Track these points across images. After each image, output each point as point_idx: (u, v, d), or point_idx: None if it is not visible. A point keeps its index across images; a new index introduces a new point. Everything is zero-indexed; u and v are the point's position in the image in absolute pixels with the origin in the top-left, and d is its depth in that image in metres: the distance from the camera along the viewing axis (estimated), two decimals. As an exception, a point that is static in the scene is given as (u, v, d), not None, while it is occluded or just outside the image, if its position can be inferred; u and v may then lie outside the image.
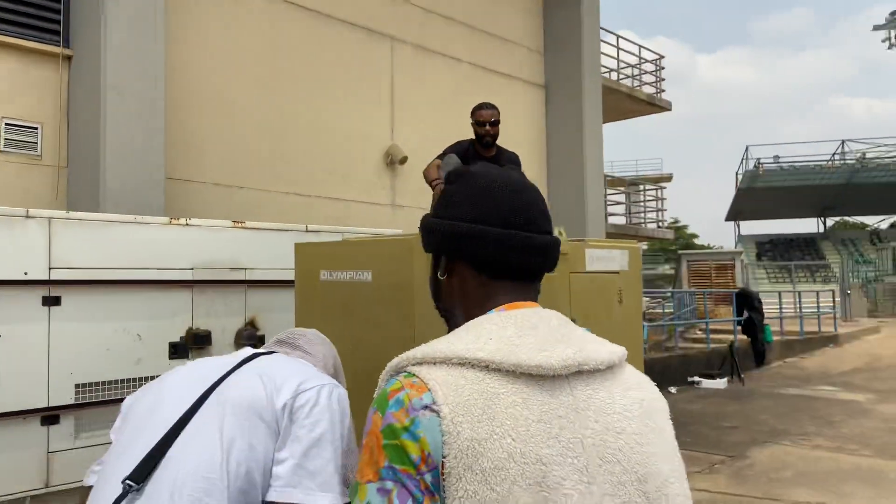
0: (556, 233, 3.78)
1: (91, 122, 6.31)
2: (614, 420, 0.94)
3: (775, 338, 12.62)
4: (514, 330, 0.98)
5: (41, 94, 6.41)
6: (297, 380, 1.43)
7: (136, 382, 4.66)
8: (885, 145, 37.45)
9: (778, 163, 37.78)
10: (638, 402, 0.99)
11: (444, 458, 0.86)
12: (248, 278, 5.26)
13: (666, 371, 10.11)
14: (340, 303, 4.02)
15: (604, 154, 11.84)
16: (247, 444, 1.32)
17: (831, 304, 17.32)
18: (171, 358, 4.85)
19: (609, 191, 15.16)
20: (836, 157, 37.40)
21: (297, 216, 7.45)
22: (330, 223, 6.26)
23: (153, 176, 6.57)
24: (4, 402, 4.14)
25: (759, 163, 37.44)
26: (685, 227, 45.59)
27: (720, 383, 10.42)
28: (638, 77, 14.94)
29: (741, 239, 40.64)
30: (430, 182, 4.18)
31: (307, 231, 5.69)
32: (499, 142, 4.54)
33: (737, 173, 39.03)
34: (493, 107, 4.41)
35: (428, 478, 0.86)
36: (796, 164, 37.65)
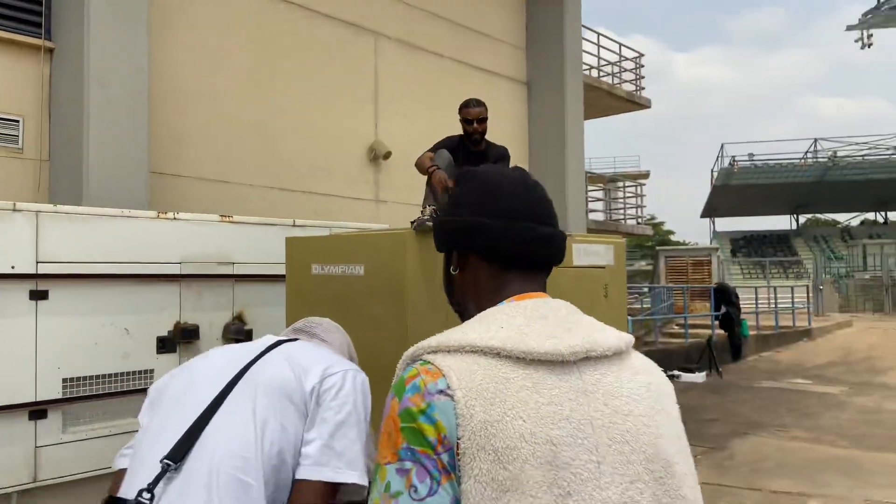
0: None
1: (74, 115, 6.24)
2: (622, 403, 0.99)
3: (751, 332, 12.84)
4: (524, 319, 1.03)
5: (23, 87, 6.33)
6: (322, 365, 1.50)
7: (123, 377, 4.64)
8: (856, 144, 38.15)
9: (752, 161, 38.30)
10: (645, 385, 1.04)
11: (458, 439, 0.91)
12: (235, 272, 5.26)
13: (646, 365, 10.18)
14: (332, 296, 4.04)
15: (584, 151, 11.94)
16: (279, 424, 1.39)
17: (805, 300, 17.65)
18: (158, 352, 4.83)
19: (589, 187, 15.28)
20: (809, 155, 38.01)
21: (281, 211, 7.44)
22: (314, 218, 6.26)
23: (137, 170, 6.52)
24: (-7, 397, 4.12)
25: (734, 160, 37.94)
26: (661, 223, 46.07)
27: (699, 377, 10.58)
28: (618, 75, 15.08)
29: (716, 235, 41.16)
30: (425, 170, 4.20)
31: (294, 225, 5.68)
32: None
33: (712, 171, 39.55)
34: (480, 104, 4.43)
35: (444, 458, 0.91)
36: (770, 162, 38.20)
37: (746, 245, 40.63)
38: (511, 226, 1.11)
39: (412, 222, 3.89)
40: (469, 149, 4.40)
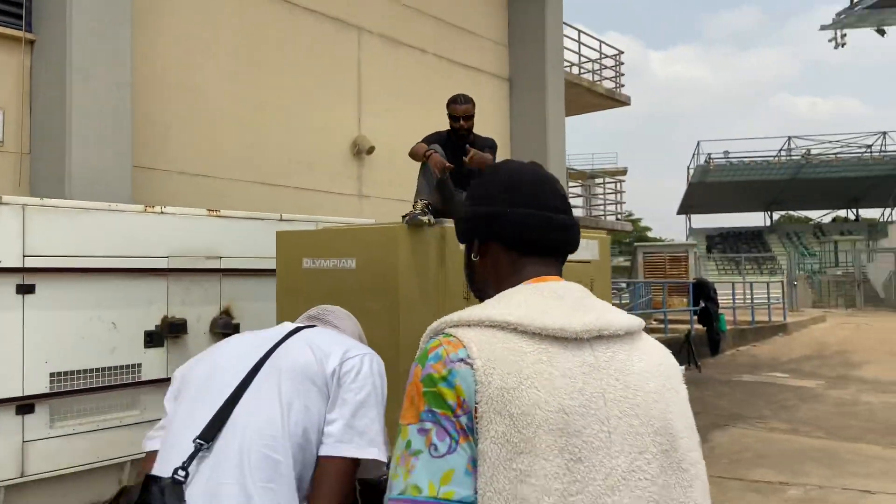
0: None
1: (56, 108, 6.17)
2: (633, 379, 1.05)
3: (729, 327, 13.03)
4: (541, 299, 1.10)
5: (3, 80, 6.24)
6: (342, 349, 1.59)
7: (111, 371, 4.62)
8: (829, 142, 38.78)
9: (728, 158, 38.75)
10: (656, 364, 1.10)
11: (476, 403, 0.97)
12: (223, 267, 5.25)
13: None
14: (324, 290, 4.05)
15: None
16: (303, 405, 1.47)
17: (780, 295, 17.95)
18: (146, 347, 4.81)
19: (569, 183, 15.39)
20: (783, 153, 38.55)
21: (264, 206, 7.38)
22: (296, 213, 6.23)
23: (120, 163, 6.46)
24: (-20, 391, 4.08)
25: (709, 158, 38.36)
26: (639, 220, 46.49)
27: (677, 371, 10.66)
28: (598, 72, 15.19)
29: (692, 232, 41.62)
30: (421, 156, 4.21)
31: (282, 220, 5.69)
32: None
33: (688, 168, 39.97)
34: (468, 100, 4.46)
35: (463, 420, 0.98)
36: (745, 159, 38.69)
37: (722, 241, 41.13)
38: (530, 214, 1.18)
39: (404, 216, 3.91)
40: (456, 144, 4.43)
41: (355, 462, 1.48)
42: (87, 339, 4.53)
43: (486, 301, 1.15)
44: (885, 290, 25.12)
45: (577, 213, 16.78)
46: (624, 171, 35.33)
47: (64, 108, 6.09)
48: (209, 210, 5.30)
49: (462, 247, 1.32)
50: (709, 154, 38.60)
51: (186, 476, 1.41)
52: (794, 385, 9.35)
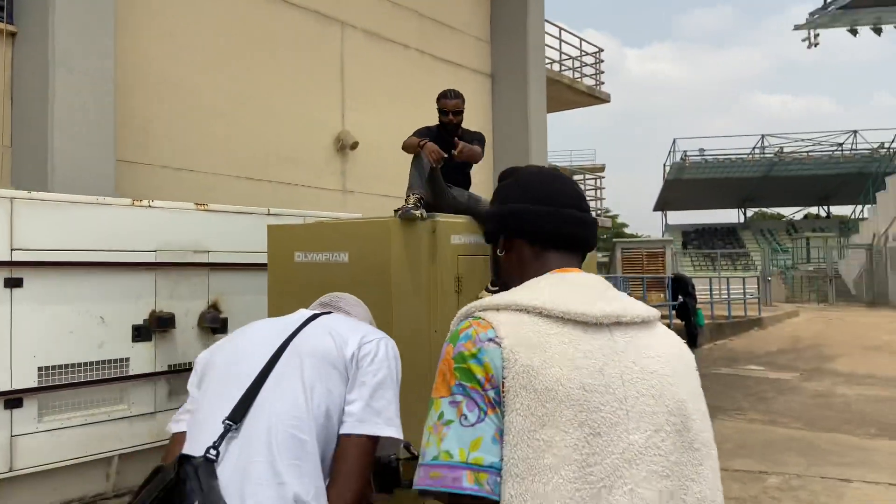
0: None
1: (38, 101, 6.11)
2: (650, 363, 1.13)
3: (706, 321, 13.23)
4: (564, 287, 1.18)
5: (-17, 71, 6.16)
6: (359, 334, 1.67)
7: (99, 365, 4.60)
8: (801, 140, 39.39)
9: (703, 156, 39.20)
10: (670, 351, 1.18)
11: (503, 379, 1.05)
12: (210, 261, 5.24)
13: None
14: (316, 284, 4.07)
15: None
16: (325, 388, 1.56)
17: (754, 291, 18.25)
18: (134, 341, 4.80)
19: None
20: (756, 150, 39.09)
21: (247, 200, 7.36)
22: (280, 207, 6.21)
23: (103, 157, 6.41)
24: (-30, 386, 4.05)
25: (685, 155, 38.77)
26: (616, 216, 46.87)
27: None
28: (579, 69, 15.30)
29: (668, 228, 42.07)
30: (415, 146, 4.22)
31: (269, 214, 5.69)
32: None
33: (664, 165, 40.35)
34: (458, 96, 4.48)
35: (491, 394, 1.06)
36: (720, 157, 39.16)
37: (697, 238, 41.63)
38: (552, 209, 1.27)
39: (396, 210, 3.94)
40: (445, 138, 4.46)
41: (374, 440, 1.57)
42: (75, 334, 4.50)
43: (513, 288, 1.22)
44: (855, 285, 25.62)
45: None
46: (602, 168, 35.62)
47: (46, 100, 6.03)
48: (197, 204, 5.29)
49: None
50: (684, 151, 39.06)
51: (217, 455, 1.47)
52: (771, 378, 9.53)
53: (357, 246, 3.96)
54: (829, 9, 22.01)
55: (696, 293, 12.63)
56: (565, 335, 1.09)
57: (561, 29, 14.68)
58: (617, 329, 1.14)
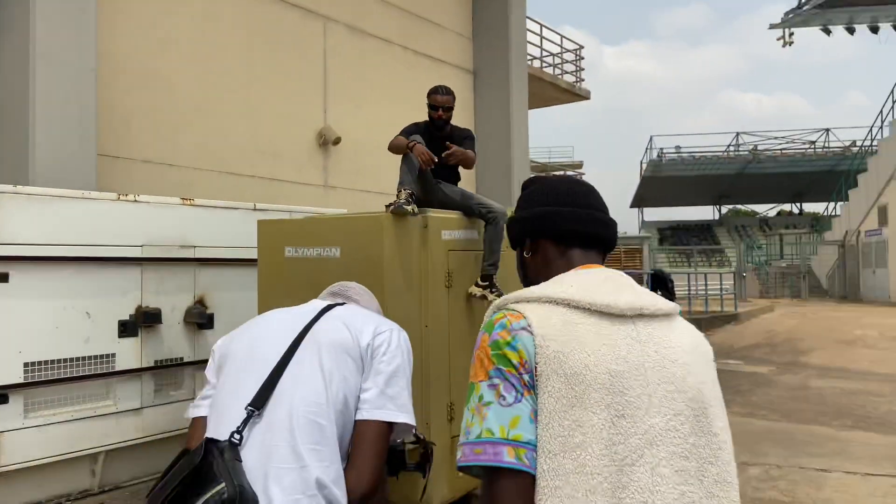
0: (507, 213, 4.01)
1: (18, 93, 6.02)
2: (670, 352, 1.21)
3: (684, 316, 13.38)
4: (590, 281, 1.27)
5: (-38, 62, 6.06)
6: (373, 325, 1.75)
7: (85, 361, 4.57)
8: (775, 138, 39.94)
9: (679, 153, 39.58)
10: (690, 342, 1.26)
11: (536, 364, 1.14)
12: (196, 256, 5.21)
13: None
14: (307, 278, 4.08)
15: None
16: (342, 376, 1.63)
17: (730, 286, 18.51)
18: (120, 336, 4.77)
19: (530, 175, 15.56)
20: (731, 148, 39.56)
21: (229, 195, 7.31)
22: (261, 202, 6.16)
23: (85, 151, 6.33)
24: (-44, 381, 4.01)
25: (662, 152, 39.12)
26: (592, 212, 47.05)
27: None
28: (560, 66, 15.39)
29: (644, 225, 42.43)
30: (404, 148, 4.24)
31: (255, 209, 5.67)
32: None
33: (641, 162, 40.68)
34: (448, 92, 4.51)
35: (525, 377, 1.14)
36: (696, 154, 39.57)
37: (673, 234, 42.05)
38: (577, 211, 1.37)
39: (388, 205, 3.96)
40: (434, 134, 4.49)
41: (389, 425, 1.65)
42: (61, 329, 4.47)
43: (543, 283, 1.30)
44: (828, 281, 26.08)
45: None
46: (580, 165, 35.82)
47: (27, 94, 5.94)
48: (183, 199, 5.26)
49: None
50: (661, 149, 39.39)
51: (241, 439, 1.54)
52: (748, 371, 9.69)
53: (349, 241, 3.98)
54: (804, 8, 22.34)
55: (675, 289, 12.79)
56: (592, 325, 1.18)
57: (542, 26, 14.76)
58: (640, 321, 1.22)
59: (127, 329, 4.82)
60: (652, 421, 1.14)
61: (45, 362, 4.38)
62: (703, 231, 42.84)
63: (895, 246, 21.64)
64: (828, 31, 24.03)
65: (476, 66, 12.01)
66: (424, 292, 3.97)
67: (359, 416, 1.63)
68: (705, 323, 14.65)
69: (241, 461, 1.51)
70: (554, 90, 14.44)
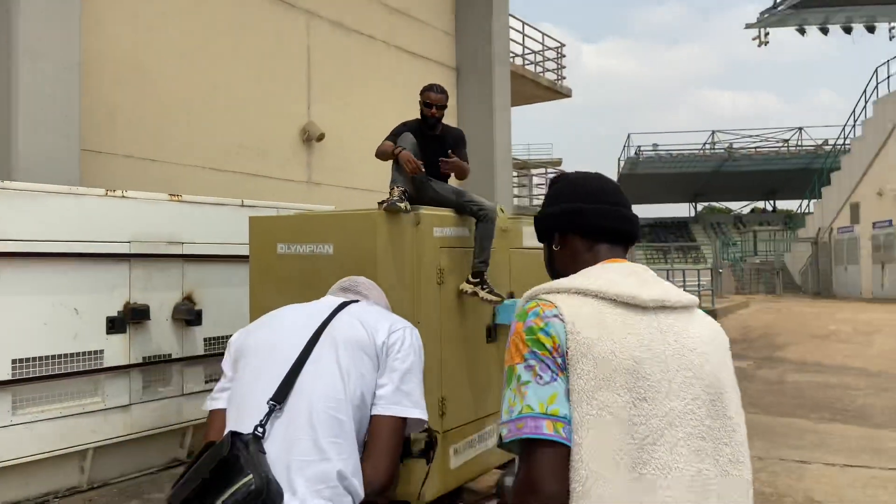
0: (497, 210, 4.05)
1: (2, 89, 5.95)
2: (689, 341, 1.30)
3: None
4: (616, 274, 1.36)
5: (-58, 56, 5.97)
6: (387, 323, 1.82)
7: (73, 357, 4.55)
8: (749, 136, 40.47)
9: (656, 151, 39.95)
10: (707, 332, 1.36)
11: (567, 348, 1.24)
12: (184, 252, 5.20)
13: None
14: (300, 275, 4.09)
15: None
16: (359, 373, 1.69)
17: (707, 282, 18.76)
18: (108, 333, 4.75)
19: (513, 174, 15.63)
20: (707, 146, 40.00)
21: (212, 191, 7.24)
22: (246, 199, 6.11)
23: (69, 146, 6.28)
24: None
25: (639, 150, 39.45)
26: (570, 209, 47.30)
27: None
28: (541, 63, 15.46)
29: (622, 222, 42.65)
30: (390, 154, 4.27)
31: (243, 206, 5.67)
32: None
33: (619, 160, 40.99)
34: (443, 91, 4.54)
35: (558, 360, 1.24)
36: (672, 152, 39.97)
37: (650, 231, 42.45)
38: (602, 207, 1.46)
39: (381, 203, 3.99)
40: (426, 133, 4.52)
41: (403, 420, 1.72)
42: (49, 325, 4.44)
43: (571, 276, 1.38)
44: (801, 277, 26.52)
45: (518, 202, 17.08)
46: (559, 162, 35.96)
47: (10, 88, 5.88)
48: (171, 195, 5.24)
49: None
50: (638, 146, 39.72)
51: (263, 433, 1.59)
52: (727, 366, 9.84)
53: (342, 238, 4.00)
54: (779, 8, 22.65)
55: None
56: (618, 315, 1.27)
57: (524, 24, 14.83)
58: (661, 312, 1.32)
59: (115, 325, 4.80)
60: (672, 404, 1.23)
61: (34, 359, 4.35)
62: (679, 228, 43.30)
63: (867, 243, 22.07)
64: (802, 31, 24.39)
65: (459, 62, 12.04)
66: (416, 289, 4.00)
67: (375, 412, 1.69)
68: (683, 319, 14.82)
69: (264, 453, 1.56)
70: (535, 88, 14.52)
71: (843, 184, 23.71)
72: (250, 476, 1.48)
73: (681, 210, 46.59)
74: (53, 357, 4.45)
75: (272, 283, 4.24)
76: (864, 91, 23.40)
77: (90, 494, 4.58)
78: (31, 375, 4.32)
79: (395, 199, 3.93)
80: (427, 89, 4.49)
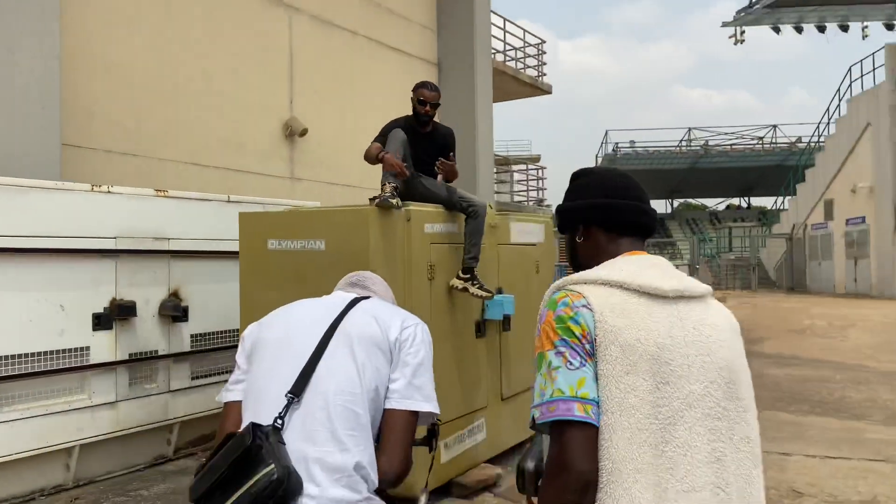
0: (487, 207, 4.10)
1: (-21, 81, 5.84)
2: (706, 329, 1.39)
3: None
4: (637, 266, 1.44)
5: (-81, 48, 5.84)
6: (399, 319, 1.85)
7: (59, 354, 4.50)
8: (725, 134, 40.95)
9: (633, 147, 40.27)
10: (721, 320, 1.45)
11: (596, 336, 1.32)
12: (171, 248, 5.16)
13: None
14: (291, 271, 4.09)
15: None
16: (373, 367, 1.74)
17: (684, 278, 18.94)
18: (94, 329, 4.70)
19: (494, 170, 15.66)
20: (683, 143, 40.41)
21: (192, 186, 7.20)
22: (228, 194, 6.06)
23: (48, 140, 6.18)
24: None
25: (616, 147, 39.74)
26: (549, 205, 47.61)
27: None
28: (522, 60, 15.51)
29: (599, 218, 42.93)
30: (374, 157, 4.29)
31: (229, 202, 5.64)
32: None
33: (596, 156, 41.25)
34: (436, 89, 4.57)
35: (587, 346, 1.32)
36: (649, 149, 40.32)
37: (627, 227, 42.79)
38: (624, 202, 1.54)
39: (372, 199, 4.00)
40: (417, 130, 4.53)
41: (416, 414, 1.78)
42: (35, 322, 4.39)
43: (595, 267, 1.47)
44: (776, 273, 26.93)
45: (500, 198, 17.12)
46: (538, 159, 36.10)
47: (-11, 81, 5.78)
48: (157, 190, 5.20)
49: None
50: (616, 143, 40.00)
51: (283, 424, 1.64)
52: (706, 361, 9.97)
53: (335, 234, 4.00)
54: (755, 7, 22.93)
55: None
56: (641, 304, 1.36)
57: (505, 20, 14.85)
58: (680, 302, 1.40)
59: (101, 322, 4.75)
60: (691, 387, 1.33)
61: (19, 356, 4.30)
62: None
63: (840, 239, 22.46)
64: (777, 30, 24.70)
65: (440, 58, 12.04)
66: (408, 285, 4.02)
67: (388, 406, 1.74)
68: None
69: (284, 443, 1.60)
70: (516, 84, 14.56)
71: (817, 181, 24.09)
72: (272, 466, 1.52)
73: (657, 206, 47.02)
74: (39, 354, 4.40)
75: (263, 279, 4.24)
76: (838, 90, 23.79)
77: (76, 492, 4.54)
78: (16, 373, 4.26)
79: (387, 195, 3.95)
80: (421, 86, 4.50)
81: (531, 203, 18.60)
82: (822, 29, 24.10)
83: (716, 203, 48.19)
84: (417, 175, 4.49)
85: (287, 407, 1.65)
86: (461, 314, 4.49)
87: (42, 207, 4.42)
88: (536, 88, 15.19)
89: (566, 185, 1.65)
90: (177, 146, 7.85)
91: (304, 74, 9.53)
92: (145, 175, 7.25)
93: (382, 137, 4.44)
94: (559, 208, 1.63)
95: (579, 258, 1.59)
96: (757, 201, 46.18)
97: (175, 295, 5.22)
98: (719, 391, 1.35)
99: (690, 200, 50.55)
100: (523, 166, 19.34)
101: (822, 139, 25.82)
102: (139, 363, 4.95)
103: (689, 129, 40.58)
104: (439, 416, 1.86)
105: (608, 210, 1.53)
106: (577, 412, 1.28)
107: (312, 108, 9.55)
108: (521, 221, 5.32)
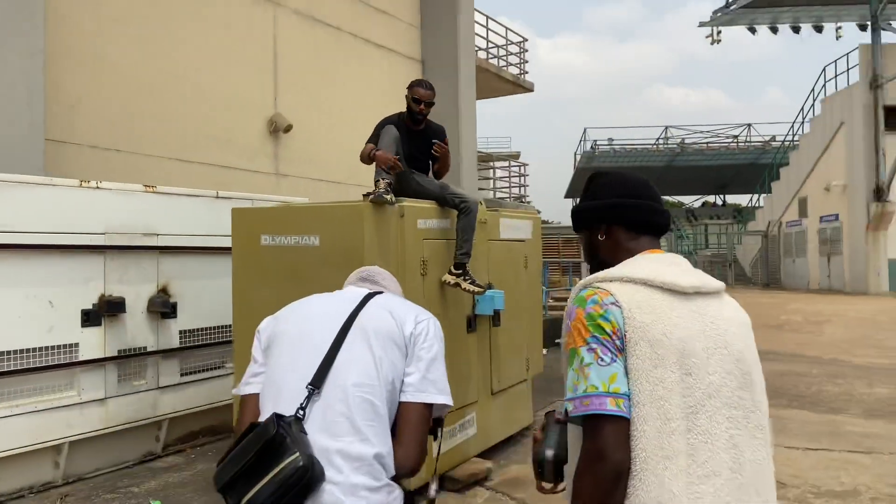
0: (479, 204, 4.17)
1: (-39, 75, 5.76)
2: (722, 323, 1.49)
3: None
4: (658, 264, 1.53)
5: None
6: (413, 314, 1.90)
7: (48, 351, 4.47)
8: (701, 132, 41.41)
9: (612, 145, 40.57)
10: (735, 314, 1.55)
11: (625, 332, 1.40)
12: (160, 244, 5.14)
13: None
14: (285, 266, 4.11)
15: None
16: (390, 361, 1.79)
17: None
18: (83, 326, 4.68)
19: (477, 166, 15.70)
20: (661, 141, 40.78)
21: (177, 182, 7.13)
22: (211, 189, 6.01)
23: (32, 135, 6.11)
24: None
25: (595, 145, 40.00)
26: (531, 202, 47.80)
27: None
28: (504, 58, 15.56)
29: (578, 215, 43.19)
30: (367, 156, 4.31)
31: (218, 197, 5.62)
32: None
33: (575, 154, 41.50)
34: (431, 88, 4.61)
35: (617, 343, 1.40)
36: (627, 146, 40.65)
37: (605, 224, 43.12)
38: (643, 202, 1.63)
39: (366, 195, 4.02)
40: (410, 128, 4.56)
41: (430, 406, 1.83)
42: (23, 318, 4.36)
43: (617, 266, 1.54)
44: (752, 269, 27.35)
45: (483, 195, 17.16)
46: (517, 156, 36.24)
47: (-29, 75, 5.70)
48: (146, 186, 5.17)
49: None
50: (594, 141, 40.28)
51: (304, 415, 1.70)
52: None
53: (329, 229, 4.02)
54: (731, 7, 23.22)
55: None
56: (665, 300, 1.44)
57: (488, 18, 14.89)
58: (698, 297, 1.49)
59: (90, 318, 4.72)
60: (710, 378, 1.41)
61: (7, 353, 4.26)
62: (633, 221, 44.05)
63: (814, 236, 22.85)
64: (753, 30, 25.02)
65: (424, 55, 12.05)
66: (401, 280, 4.01)
67: (403, 399, 1.79)
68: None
69: (306, 434, 1.65)
70: (499, 81, 14.62)
71: (792, 179, 24.47)
72: (297, 454, 1.56)
73: (635, 204, 47.39)
74: (28, 350, 4.37)
75: (256, 274, 4.24)
76: (813, 89, 24.18)
77: (65, 489, 4.51)
78: (4, 369, 4.23)
79: (381, 191, 3.97)
80: (416, 84, 4.54)
81: (512, 199, 18.68)
82: (796, 29, 24.43)
83: (692, 200, 48.70)
84: (410, 171, 4.52)
85: (308, 398, 1.70)
86: (453, 309, 4.53)
87: (29, 203, 4.38)
88: (518, 86, 15.25)
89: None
90: (162, 142, 7.79)
91: (289, 71, 9.50)
92: (130, 171, 7.19)
93: (375, 137, 4.47)
94: (578, 208, 1.70)
95: (600, 256, 1.65)
96: (732, 199, 46.72)
97: (164, 291, 5.20)
98: (735, 381, 1.44)
99: (667, 198, 50.99)
100: (506, 163, 19.39)
101: (796, 138, 26.22)
102: (128, 360, 4.93)
103: (666, 128, 40.96)
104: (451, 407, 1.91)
105: (630, 209, 1.62)
106: (610, 406, 1.35)
107: (297, 105, 9.52)
108: (510, 217, 5.37)
